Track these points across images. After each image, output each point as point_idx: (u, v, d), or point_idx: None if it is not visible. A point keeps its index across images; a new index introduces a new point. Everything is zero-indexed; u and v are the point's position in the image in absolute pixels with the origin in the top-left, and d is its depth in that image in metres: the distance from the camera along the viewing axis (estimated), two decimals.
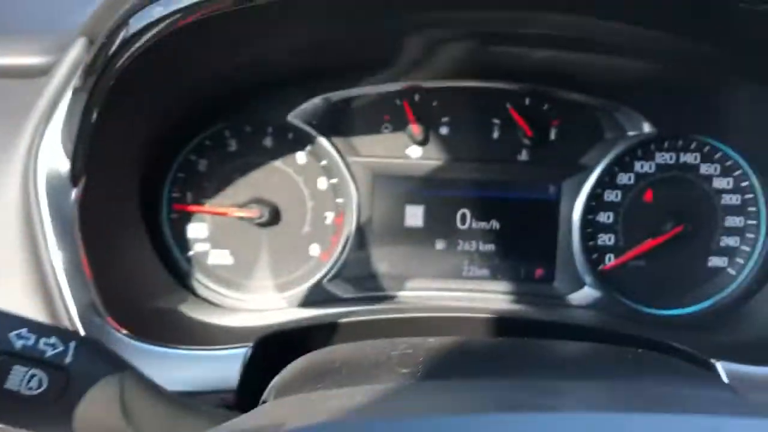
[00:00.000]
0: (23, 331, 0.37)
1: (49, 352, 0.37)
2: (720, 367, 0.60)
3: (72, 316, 0.55)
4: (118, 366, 0.40)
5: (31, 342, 0.37)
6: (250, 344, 0.60)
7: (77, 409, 0.38)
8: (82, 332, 0.56)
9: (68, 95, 0.57)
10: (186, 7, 0.54)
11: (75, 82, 0.57)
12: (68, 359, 0.38)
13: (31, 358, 0.36)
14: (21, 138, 0.58)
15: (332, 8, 0.57)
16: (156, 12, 0.54)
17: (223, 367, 0.59)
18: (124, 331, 0.57)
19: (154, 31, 0.54)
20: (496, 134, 0.77)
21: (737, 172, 0.77)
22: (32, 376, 0.36)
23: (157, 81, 0.61)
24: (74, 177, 0.58)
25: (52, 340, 0.37)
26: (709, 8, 0.56)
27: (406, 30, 0.64)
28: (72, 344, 0.38)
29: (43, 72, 0.62)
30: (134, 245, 0.72)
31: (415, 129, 0.75)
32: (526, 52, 0.67)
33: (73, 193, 0.58)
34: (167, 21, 0.54)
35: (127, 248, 0.70)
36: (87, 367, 0.38)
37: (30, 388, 0.36)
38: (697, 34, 0.60)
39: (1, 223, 0.57)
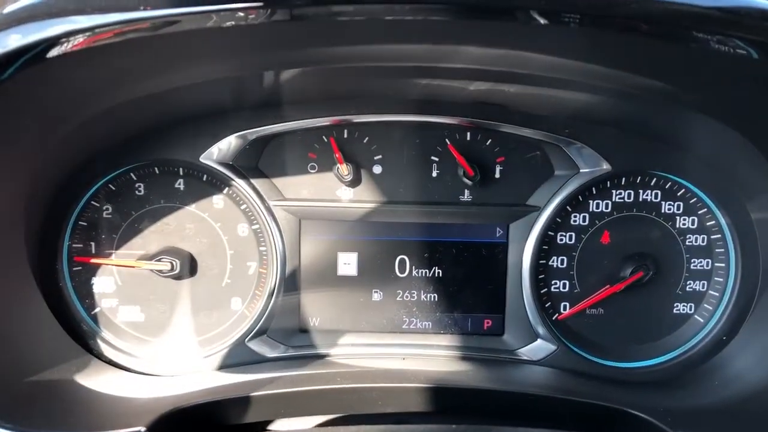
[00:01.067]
0: None
1: None
2: None
3: None
4: None
5: None
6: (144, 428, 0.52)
7: None
8: None
9: None
10: (51, 38, 0.46)
11: None
12: None
13: None
14: None
15: (217, 45, 0.49)
16: (11, 41, 0.46)
17: None
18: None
19: (31, 57, 0.46)
20: (435, 173, 0.70)
21: (702, 211, 0.70)
22: None
23: (31, 119, 0.53)
24: None
25: None
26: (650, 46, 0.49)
27: (324, 62, 0.57)
28: None
29: None
30: (23, 304, 0.63)
31: (344, 168, 0.67)
32: (460, 85, 0.60)
33: None
34: (51, 48, 0.46)
35: (16, 311, 0.62)
36: None
37: None
38: (638, 69, 0.53)
39: None
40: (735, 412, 0.61)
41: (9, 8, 0.47)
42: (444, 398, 0.61)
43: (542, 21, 0.45)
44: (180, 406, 0.57)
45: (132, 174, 0.69)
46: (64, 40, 0.46)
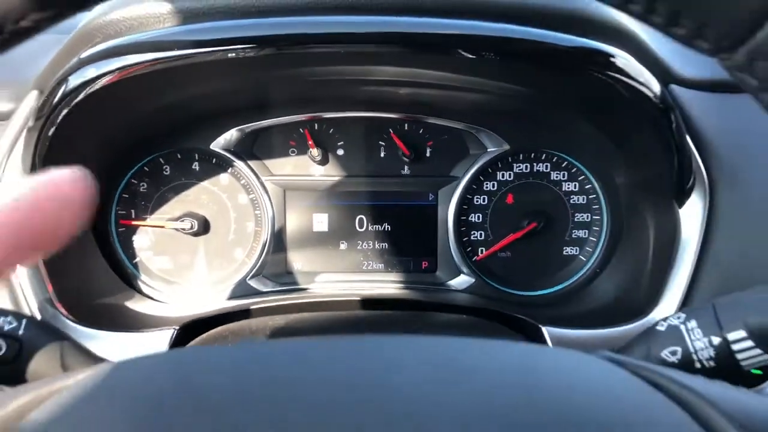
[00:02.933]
0: None
1: (6, 327, 0.53)
2: (545, 331, 0.77)
3: (31, 307, 0.72)
4: (60, 337, 0.57)
5: None
6: (176, 327, 0.77)
7: (28, 368, 0.55)
8: (38, 317, 0.72)
9: (23, 135, 0.74)
10: (113, 70, 0.71)
11: (28, 124, 0.73)
12: (21, 332, 0.54)
13: None
14: None
15: (224, 69, 0.74)
16: (89, 73, 0.71)
17: (153, 345, 0.75)
18: (72, 318, 0.73)
19: (88, 88, 0.70)
20: (382, 154, 0.94)
21: (581, 177, 0.94)
22: None
23: (96, 121, 0.78)
24: None
25: (9, 318, 0.54)
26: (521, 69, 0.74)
27: (287, 79, 0.81)
28: (23, 321, 0.54)
29: (4, 118, 0.79)
30: (86, 254, 0.88)
31: (315, 152, 0.92)
32: (394, 90, 0.85)
33: None
34: (100, 81, 0.71)
35: (80, 257, 0.87)
36: (34, 338, 0.55)
37: None
38: (516, 81, 0.77)
39: None
40: (588, 315, 0.86)
41: (87, 53, 0.72)
42: (389, 304, 0.85)
43: (465, 55, 0.69)
44: (200, 317, 0.82)
45: (161, 159, 0.93)
46: (117, 73, 0.71)
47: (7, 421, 0.33)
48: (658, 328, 0.56)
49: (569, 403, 0.32)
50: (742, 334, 0.51)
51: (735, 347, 0.52)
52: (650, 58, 0.74)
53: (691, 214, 0.75)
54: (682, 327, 0.53)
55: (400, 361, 0.35)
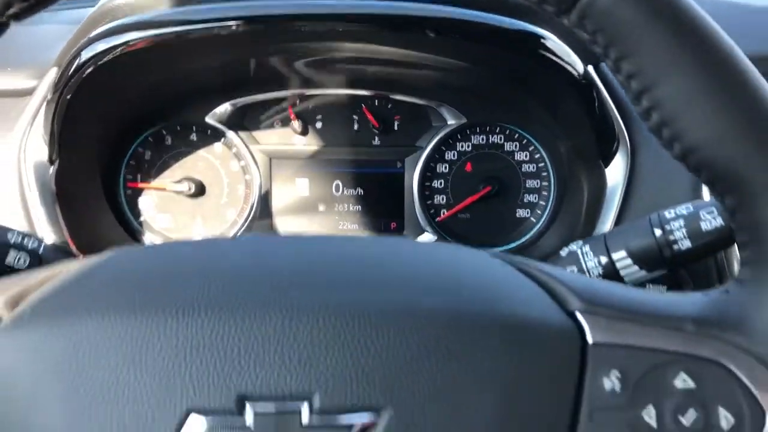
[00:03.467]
0: (15, 233, 0.67)
1: (30, 245, 0.67)
2: None
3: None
4: (73, 257, 0.70)
5: (19, 239, 0.67)
6: None
7: None
8: None
9: (44, 106, 0.88)
10: (119, 44, 0.84)
11: (47, 96, 0.87)
12: (41, 250, 0.68)
13: (19, 247, 0.67)
14: (15, 135, 0.89)
15: (214, 45, 0.87)
16: (99, 47, 0.84)
17: None
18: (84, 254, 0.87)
19: (97, 61, 0.84)
20: (355, 126, 1.06)
21: (531, 148, 1.06)
22: (20, 257, 0.66)
23: (106, 93, 0.91)
24: (51, 160, 0.88)
25: (32, 239, 0.68)
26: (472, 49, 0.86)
27: (269, 57, 0.94)
28: (43, 242, 0.68)
29: (29, 93, 0.92)
30: (98, 212, 1.02)
31: (296, 124, 1.05)
32: (362, 69, 0.98)
33: (51, 170, 0.88)
34: (108, 55, 0.85)
35: (93, 213, 1.00)
36: (52, 257, 0.69)
37: (19, 265, 0.66)
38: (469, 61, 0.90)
39: (2, 191, 0.87)
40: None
41: (96, 31, 0.85)
42: None
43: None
44: None
45: (163, 130, 1.06)
46: (123, 47, 0.85)
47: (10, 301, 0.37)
48: (561, 253, 0.69)
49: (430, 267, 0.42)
50: (623, 254, 0.64)
51: (618, 265, 0.65)
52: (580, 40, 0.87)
53: (616, 174, 0.88)
54: (579, 251, 0.66)
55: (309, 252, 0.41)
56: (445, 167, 1.07)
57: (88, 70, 0.81)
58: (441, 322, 0.35)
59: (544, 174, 1.06)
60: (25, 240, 0.67)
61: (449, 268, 0.39)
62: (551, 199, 1.06)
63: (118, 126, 1.01)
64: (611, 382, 0.35)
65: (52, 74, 0.90)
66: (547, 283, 0.38)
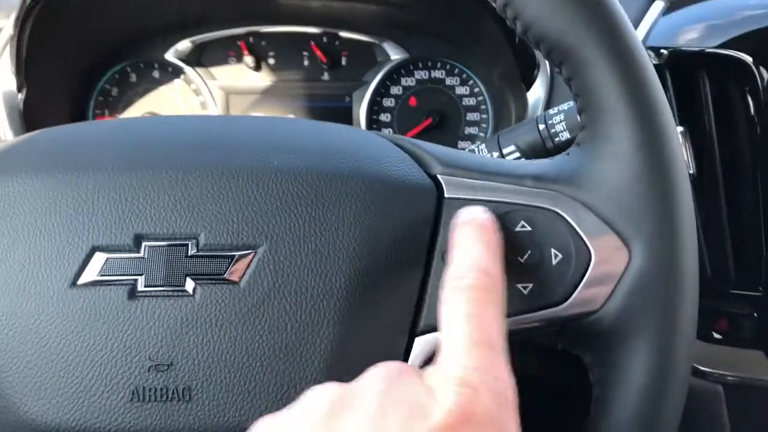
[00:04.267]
0: None
1: None
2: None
3: None
4: None
5: None
6: None
7: None
8: None
9: (9, 42, 0.96)
10: None
11: (11, 33, 0.95)
12: None
13: None
14: None
15: None
16: None
17: None
18: None
19: None
20: (306, 63, 1.14)
21: (470, 82, 1.14)
22: None
23: (65, 27, 0.99)
24: (19, 88, 0.97)
25: None
26: None
27: None
28: None
29: None
30: None
31: (249, 60, 1.12)
32: (306, 4, 1.05)
33: (19, 97, 0.97)
34: None
35: None
36: None
37: None
38: None
39: None
40: None
41: None
42: None
43: None
44: None
45: (127, 68, 1.14)
46: None
47: None
48: None
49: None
50: (513, 148, 0.72)
51: (508, 158, 0.73)
52: None
53: (537, 96, 0.95)
54: (476, 149, 0.74)
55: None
56: (392, 101, 1.14)
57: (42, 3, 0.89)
58: (312, 177, 0.41)
59: (483, 107, 1.14)
60: None
61: (329, 137, 0.45)
62: (489, 131, 1.13)
63: (83, 62, 1.09)
64: None
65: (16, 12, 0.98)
66: (414, 152, 0.45)
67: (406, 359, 0.41)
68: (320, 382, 0.39)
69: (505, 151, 0.72)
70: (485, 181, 0.42)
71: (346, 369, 0.39)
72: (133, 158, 0.42)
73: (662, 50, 0.81)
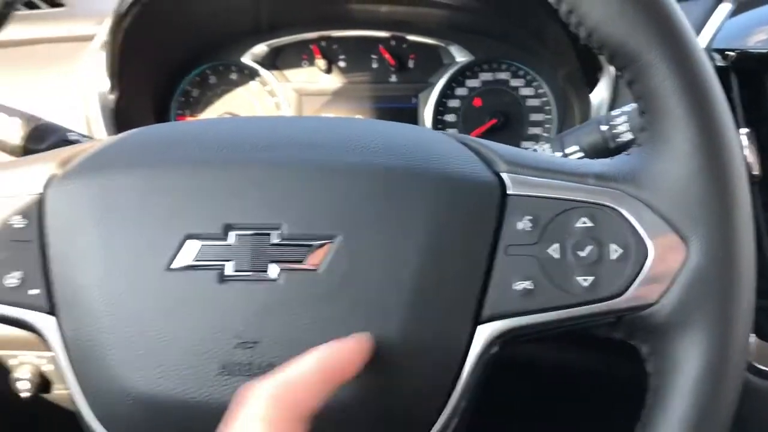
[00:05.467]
0: (75, 133, 0.82)
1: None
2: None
3: None
4: None
5: (77, 138, 0.82)
6: None
7: None
8: None
9: (103, 48, 1.04)
10: None
11: (105, 39, 1.03)
12: None
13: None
14: (82, 72, 1.05)
15: None
16: None
17: None
18: None
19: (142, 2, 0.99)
20: (374, 65, 1.18)
21: (535, 83, 1.15)
22: None
23: (155, 34, 1.06)
24: (111, 90, 1.04)
25: (88, 140, 0.83)
26: None
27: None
28: None
29: (90, 39, 1.09)
30: None
31: (322, 63, 1.17)
32: (376, 9, 1.09)
33: (111, 98, 1.04)
34: None
35: None
36: None
37: None
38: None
39: (71, 113, 1.04)
40: None
41: None
42: None
43: None
44: None
45: (207, 71, 1.21)
46: None
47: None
48: None
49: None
50: (575, 148, 0.74)
51: (570, 158, 0.75)
52: None
53: (600, 97, 0.96)
54: (539, 148, 0.77)
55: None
56: (456, 102, 1.17)
57: (136, 9, 0.96)
58: (385, 174, 0.44)
59: (547, 108, 1.15)
60: (82, 139, 0.81)
61: (400, 136, 0.48)
62: (553, 132, 1.15)
63: (167, 65, 1.16)
64: (524, 224, 0.43)
65: (110, 20, 1.06)
66: (480, 150, 0.46)
67: (468, 344, 0.43)
68: (390, 362, 0.43)
69: (568, 150, 0.73)
70: (548, 179, 0.44)
71: (414, 351, 0.42)
72: (222, 155, 0.46)
73: (729, 52, 0.81)
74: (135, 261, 0.44)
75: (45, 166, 0.47)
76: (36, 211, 0.45)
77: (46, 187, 0.46)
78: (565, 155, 0.74)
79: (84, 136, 0.80)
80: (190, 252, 0.44)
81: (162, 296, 0.44)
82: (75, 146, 0.50)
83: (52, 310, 0.45)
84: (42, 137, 0.70)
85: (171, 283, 0.44)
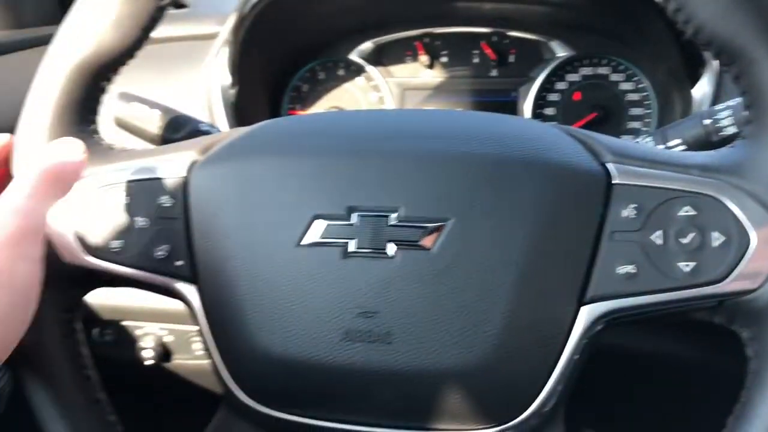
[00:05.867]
0: (206, 124, 0.91)
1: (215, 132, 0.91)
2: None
3: None
4: None
5: (208, 128, 0.91)
6: None
7: None
8: None
9: (225, 46, 1.13)
10: None
11: (227, 38, 1.12)
12: None
13: (208, 134, 0.91)
14: (205, 68, 1.15)
15: None
16: None
17: None
18: None
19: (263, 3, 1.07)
20: (476, 60, 1.21)
21: (635, 78, 1.15)
22: None
23: (271, 34, 1.15)
24: (233, 85, 1.13)
25: (216, 129, 0.92)
26: None
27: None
28: None
29: (213, 37, 1.18)
30: None
31: (425, 59, 1.22)
32: (479, 6, 1.13)
33: (232, 92, 1.13)
34: None
35: None
36: None
37: None
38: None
39: (196, 105, 1.14)
40: None
41: None
42: None
43: None
44: None
45: (316, 67, 1.29)
46: None
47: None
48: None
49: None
50: (678, 141, 0.76)
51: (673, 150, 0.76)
52: None
53: (703, 92, 0.97)
54: (641, 141, 0.79)
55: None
56: (556, 96, 1.19)
57: (258, 9, 1.04)
58: (496, 162, 0.46)
59: (647, 102, 1.15)
60: (212, 129, 0.90)
61: (509, 128, 0.50)
62: (652, 126, 1.15)
63: (281, 62, 1.24)
64: (628, 212, 0.44)
65: (232, 20, 1.15)
66: (586, 141, 0.48)
67: (572, 324, 0.45)
68: (497, 337, 0.47)
69: (670, 143, 0.75)
70: (652, 169, 0.45)
71: (520, 329, 0.45)
72: (345, 145, 0.50)
73: None
74: (269, 237, 0.48)
75: (187, 153, 0.52)
76: (181, 192, 0.50)
77: (189, 171, 0.50)
78: (668, 148, 0.76)
79: (213, 126, 0.89)
80: (317, 230, 0.48)
81: (292, 269, 0.48)
82: (212, 136, 0.54)
83: (194, 280, 0.50)
84: (177, 128, 0.77)
85: (300, 257, 0.48)
